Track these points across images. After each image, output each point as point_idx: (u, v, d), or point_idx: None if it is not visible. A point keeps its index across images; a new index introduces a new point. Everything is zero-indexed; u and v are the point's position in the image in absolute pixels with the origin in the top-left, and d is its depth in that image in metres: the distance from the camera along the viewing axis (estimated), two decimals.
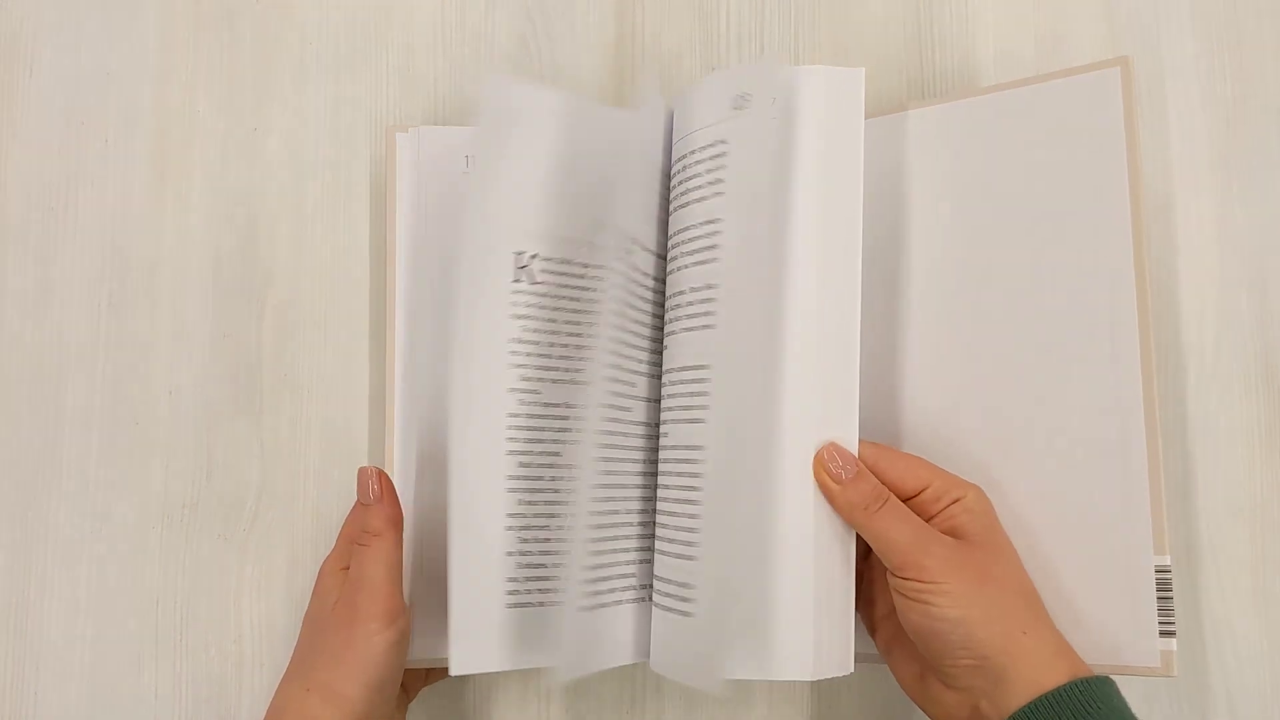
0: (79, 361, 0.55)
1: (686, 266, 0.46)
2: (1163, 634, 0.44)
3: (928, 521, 0.44)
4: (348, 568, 0.48)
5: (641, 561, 0.48)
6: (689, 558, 0.45)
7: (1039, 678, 0.41)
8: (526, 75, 0.57)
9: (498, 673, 0.53)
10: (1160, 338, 0.53)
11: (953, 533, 0.44)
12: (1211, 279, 0.54)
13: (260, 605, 0.53)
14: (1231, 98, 0.55)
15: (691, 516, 0.45)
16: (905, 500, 0.44)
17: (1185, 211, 0.54)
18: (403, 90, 0.57)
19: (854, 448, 0.44)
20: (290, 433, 0.55)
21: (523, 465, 0.45)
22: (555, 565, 0.46)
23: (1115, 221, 0.46)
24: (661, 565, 0.46)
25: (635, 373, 0.48)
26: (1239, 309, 0.54)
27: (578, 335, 0.47)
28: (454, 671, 0.44)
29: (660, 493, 0.46)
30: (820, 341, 0.44)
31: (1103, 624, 0.45)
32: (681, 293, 0.46)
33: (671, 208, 0.47)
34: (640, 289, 0.48)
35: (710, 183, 0.45)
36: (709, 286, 0.45)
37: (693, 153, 0.46)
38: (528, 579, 0.45)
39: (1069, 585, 0.45)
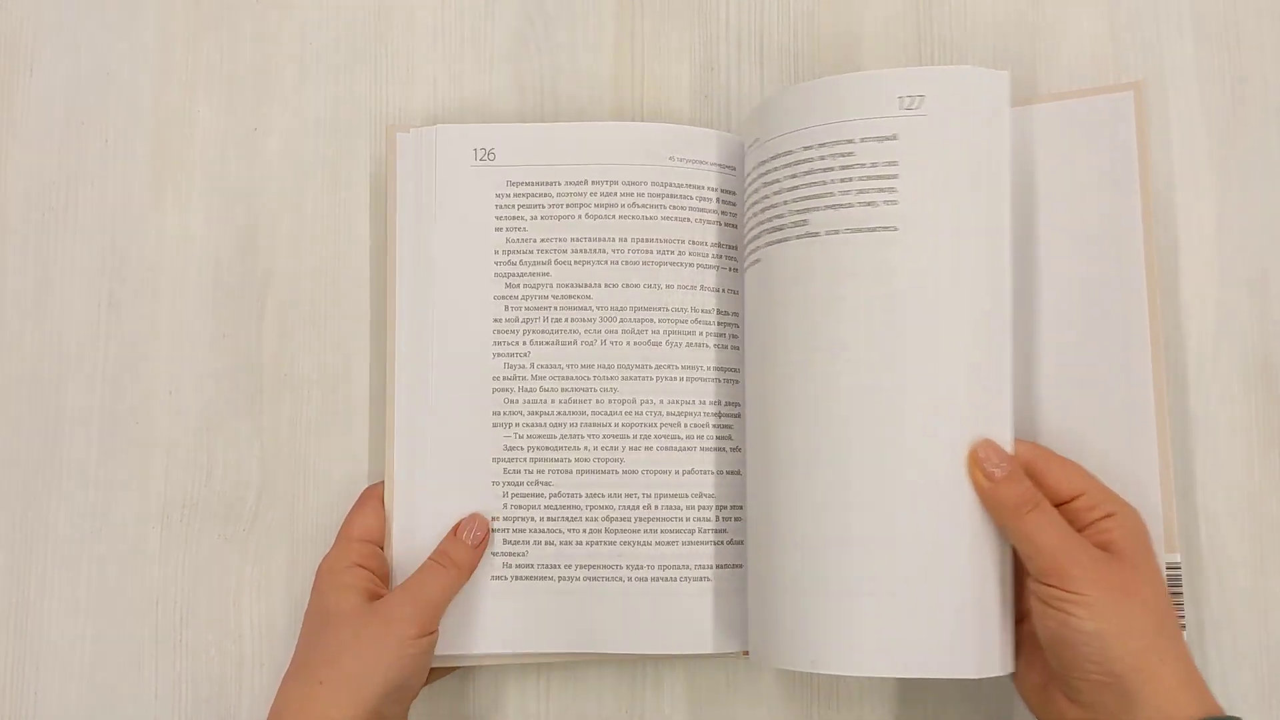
0: (79, 361, 0.55)
1: (853, 246, 0.46)
2: None
3: (1078, 532, 0.43)
4: (361, 565, 0.48)
5: (718, 561, 0.50)
6: (839, 551, 0.44)
7: (1169, 708, 0.40)
8: (527, 76, 0.57)
9: (497, 672, 0.53)
10: None
11: (1104, 547, 0.43)
12: (1211, 278, 0.54)
13: (260, 605, 0.53)
14: (1231, 98, 0.55)
15: (845, 510, 0.44)
16: (1056, 506, 0.44)
17: (1185, 211, 0.54)
18: (403, 90, 0.57)
19: (1009, 446, 0.44)
20: (290, 433, 0.55)
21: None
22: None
23: (1128, 236, 0.48)
24: (805, 558, 0.45)
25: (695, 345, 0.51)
26: (1239, 308, 0.54)
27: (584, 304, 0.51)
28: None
29: (802, 483, 0.46)
30: (974, 337, 0.45)
31: None
32: (841, 270, 0.46)
33: (798, 190, 0.47)
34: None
35: (879, 175, 0.45)
36: (889, 271, 0.45)
37: (847, 141, 0.46)
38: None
39: None
